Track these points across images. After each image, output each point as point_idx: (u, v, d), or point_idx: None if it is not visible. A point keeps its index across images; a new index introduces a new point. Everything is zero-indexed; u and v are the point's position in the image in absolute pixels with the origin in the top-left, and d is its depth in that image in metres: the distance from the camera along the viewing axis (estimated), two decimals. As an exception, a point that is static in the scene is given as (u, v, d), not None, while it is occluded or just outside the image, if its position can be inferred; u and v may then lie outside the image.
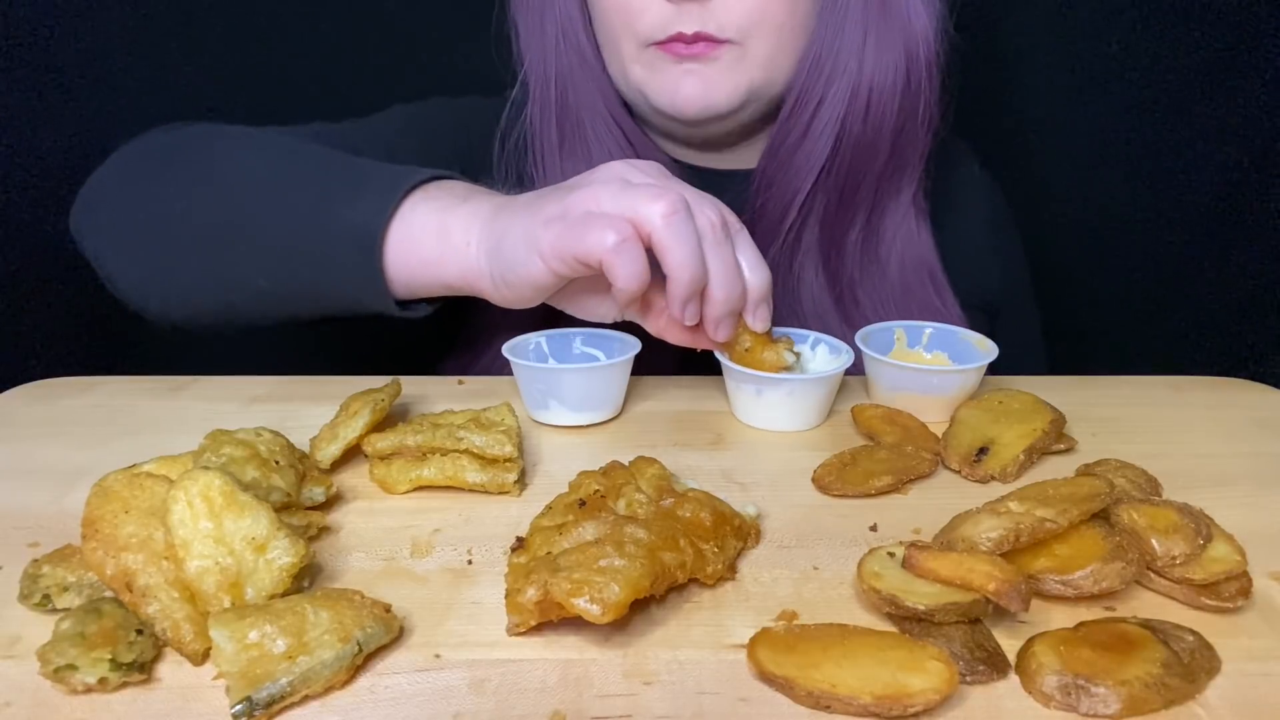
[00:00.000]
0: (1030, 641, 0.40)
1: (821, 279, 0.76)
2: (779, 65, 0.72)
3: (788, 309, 0.75)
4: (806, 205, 0.74)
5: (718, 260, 0.55)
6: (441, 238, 0.58)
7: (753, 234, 0.63)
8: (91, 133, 1.04)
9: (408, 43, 1.05)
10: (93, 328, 1.12)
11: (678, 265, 0.53)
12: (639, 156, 0.74)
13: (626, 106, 0.78)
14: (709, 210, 0.55)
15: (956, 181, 0.83)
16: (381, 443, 0.54)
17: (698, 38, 0.68)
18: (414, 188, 0.59)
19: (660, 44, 0.69)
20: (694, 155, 0.81)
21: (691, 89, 0.70)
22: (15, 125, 1.03)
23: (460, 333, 0.81)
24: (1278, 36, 1.01)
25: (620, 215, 0.52)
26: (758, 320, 0.59)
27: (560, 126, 0.76)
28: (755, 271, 0.58)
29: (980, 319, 0.78)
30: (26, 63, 1.01)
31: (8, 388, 0.68)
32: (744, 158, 0.79)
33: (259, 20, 1.03)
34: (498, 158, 0.78)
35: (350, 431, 0.55)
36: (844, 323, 0.75)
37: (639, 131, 0.78)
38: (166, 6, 1.02)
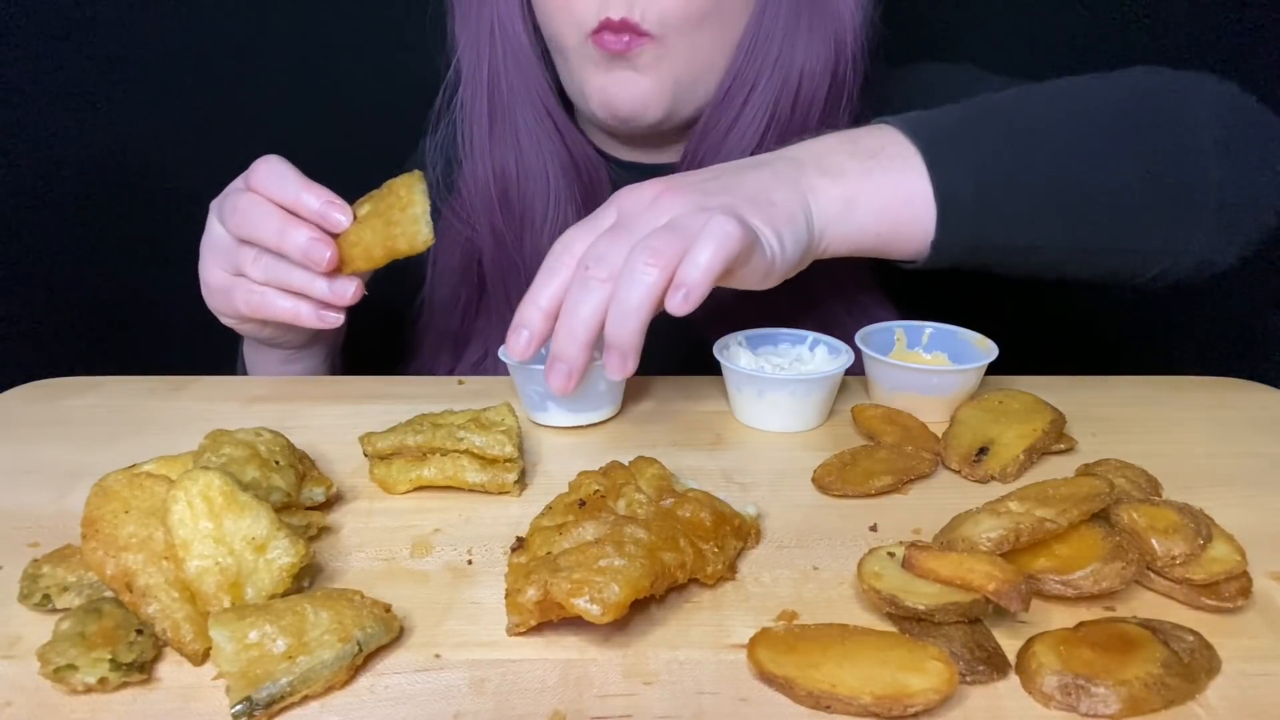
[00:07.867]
0: (1030, 641, 0.40)
1: None
2: (704, 60, 0.72)
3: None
4: None
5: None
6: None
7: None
8: (92, 135, 1.05)
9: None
10: (93, 328, 1.12)
11: None
12: (568, 148, 0.77)
13: (562, 97, 0.78)
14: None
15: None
16: (381, 443, 0.54)
17: (624, 25, 0.69)
18: None
19: (594, 34, 0.70)
20: (624, 150, 0.82)
21: (621, 91, 0.72)
22: (16, 127, 1.03)
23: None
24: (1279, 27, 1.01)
25: None
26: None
27: (490, 113, 0.76)
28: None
29: None
30: (28, 67, 1.01)
31: (8, 388, 0.68)
32: (674, 153, 0.80)
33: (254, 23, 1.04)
34: (429, 143, 0.79)
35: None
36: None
37: (570, 124, 0.79)
38: (168, 11, 1.02)
